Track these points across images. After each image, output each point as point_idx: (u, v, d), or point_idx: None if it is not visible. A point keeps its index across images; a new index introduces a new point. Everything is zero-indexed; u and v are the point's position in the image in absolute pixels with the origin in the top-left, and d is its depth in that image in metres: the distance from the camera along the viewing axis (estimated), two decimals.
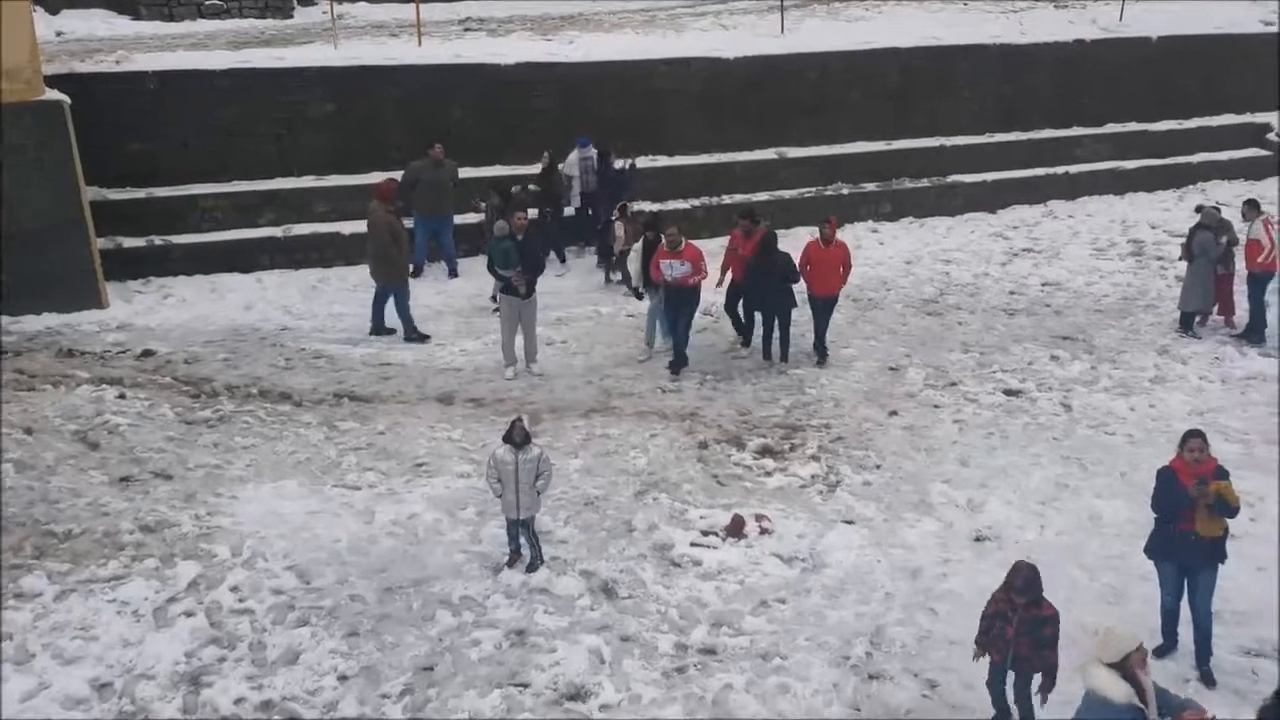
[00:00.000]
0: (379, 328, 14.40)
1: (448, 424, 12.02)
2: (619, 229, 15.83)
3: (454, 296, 15.78)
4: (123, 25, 20.36)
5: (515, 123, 17.67)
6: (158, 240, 15.94)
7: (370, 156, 16.76)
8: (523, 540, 9.49)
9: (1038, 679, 7.37)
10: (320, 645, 8.49)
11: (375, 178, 16.62)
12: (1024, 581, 7.28)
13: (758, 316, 14.08)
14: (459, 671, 8.27)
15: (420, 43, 18.79)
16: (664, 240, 13.32)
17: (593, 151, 16.75)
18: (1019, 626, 7.30)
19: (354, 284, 15.93)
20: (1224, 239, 14.53)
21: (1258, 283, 14.40)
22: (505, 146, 17.47)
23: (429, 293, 15.80)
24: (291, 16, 21.89)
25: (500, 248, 13.09)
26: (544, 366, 13.47)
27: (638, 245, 14.35)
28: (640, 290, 14.76)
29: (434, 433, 11.82)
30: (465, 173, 16.70)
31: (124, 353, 13.52)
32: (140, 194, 15.98)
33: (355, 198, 16.57)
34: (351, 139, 16.96)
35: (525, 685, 8.13)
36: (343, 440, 11.64)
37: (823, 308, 13.82)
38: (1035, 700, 7.43)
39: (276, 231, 16.47)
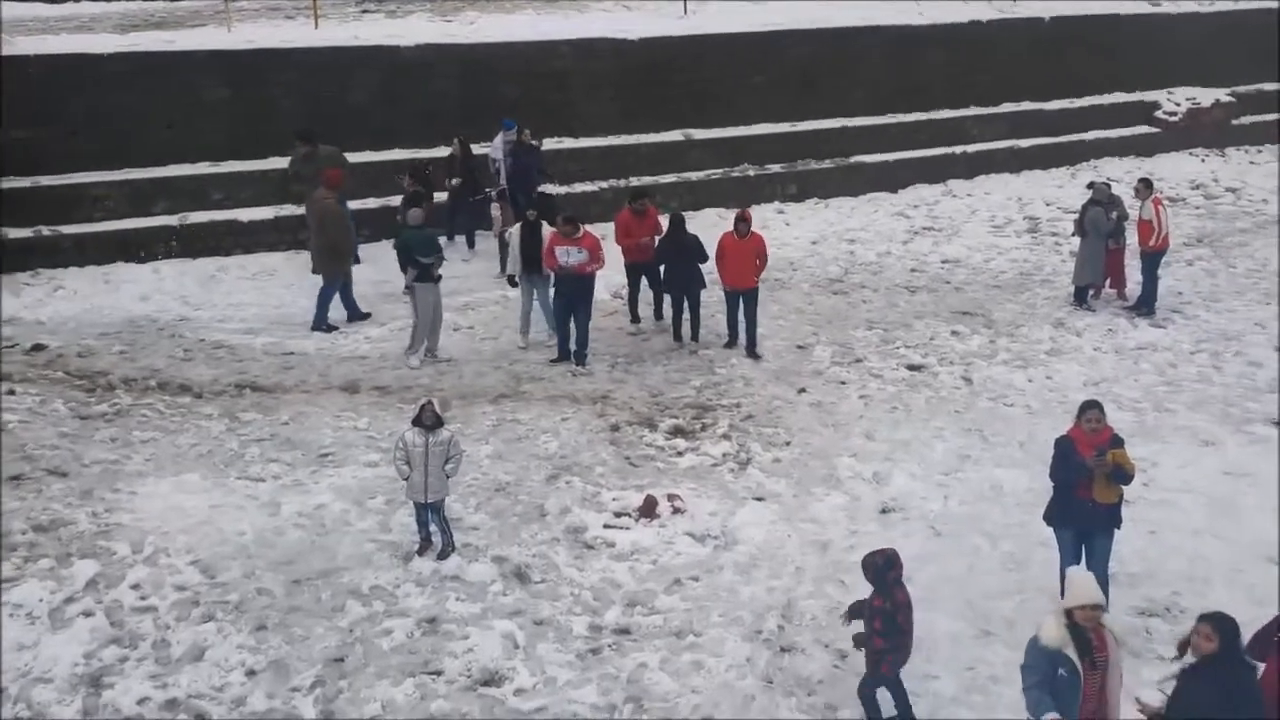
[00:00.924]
0: (323, 324, 14.06)
1: (353, 413, 11.85)
2: (495, 210, 15.68)
3: (359, 284, 15.46)
4: (4, 8, 19.54)
5: (416, 106, 17.41)
6: (46, 231, 15.36)
7: (267, 142, 16.37)
8: (433, 527, 9.40)
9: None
10: (227, 640, 8.31)
11: (274, 164, 16.38)
12: (870, 574, 7.31)
13: (664, 297, 14.12)
14: (370, 662, 8.17)
15: (317, 25, 18.42)
16: (560, 225, 13.13)
17: (520, 132, 16.55)
18: (868, 618, 7.34)
19: (253, 273, 15.60)
20: (1114, 214, 14.97)
21: (1150, 261, 14.88)
22: (406, 130, 17.22)
23: None
24: None
25: (422, 235, 12.93)
26: (452, 352, 13.33)
27: (516, 229, 13.84)
28: (515, 277, 14.00)
29: (339, 422, 11.64)
30: (366, 157, 16.43)
31: (12, 347, 13.05)
32: (25, 183, 15.38)
33: (252, 184, 16.26)
34: (247, 124, 16.53)
35: (438, 673, 8.07)
36: (245, 432, 11.40)
37: (738, 301, 13.50)
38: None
39: (172, 220, 15.99)
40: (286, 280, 15.57)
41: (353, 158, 16.07)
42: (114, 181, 15.86)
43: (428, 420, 9.11)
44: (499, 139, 16.56)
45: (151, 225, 15.87)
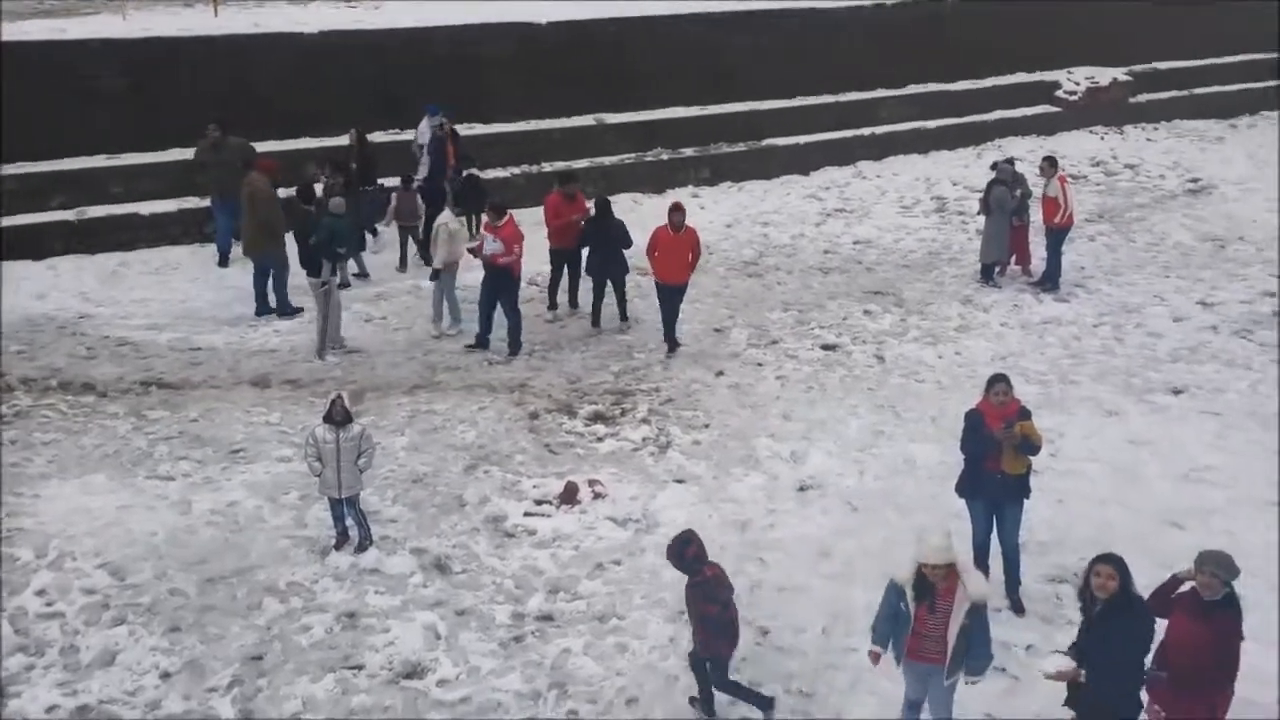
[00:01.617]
0: (265, 308, 13.85)
1: (264, 407, 11.63)
2: (393, 199, 15.50)
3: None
4: None
5: (323, 94, 17.10)
6: None
7: (169, 133, 15.94)
8: (350, 521, 9.27)
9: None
10: (139, 643, 8.13)
11: (175, 155, 15.98)
12: (673, 560, 7.43)
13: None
14: (289, 659, 8.04)
15: (216, 13, 17.97)
16: (487, 213, 13.12)
17: (443, 119, 16.30)
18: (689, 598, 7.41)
19: (157, 268, 15.21)
20: (1019, 192, 15.29)
21: (1055, 238, 15.23)
22: (314, 118, 16.90)
23: (239, 274, 15.17)
24: None
25: (346, 224, 12.73)
26: (364, 344, 13.13)
27: (446, 221, 13.61)
28: (439, 270, 13.59)
29: (250, 417, 11.41)
30: (273, 146, 16.08)
31: None
32: None
33: (153, 176, 15.83)
34: (147, 115, 16.07)
35: (359, 667, 7.98)
36: (153, 430, 11.12)
37: (670, 295, 13.14)
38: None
39: (69, 215, 15.50)
40: (191, 274, 15.20)
41: (260, 148, 15.71)
42: (6, 175, 15.29)
43: (338, 416, 8.98)
44: (424, 124, 16.28)
45: (47, 220, 15.34)
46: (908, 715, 7.29)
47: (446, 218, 13.62)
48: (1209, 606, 6.42)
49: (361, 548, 9.21)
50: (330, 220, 12.93)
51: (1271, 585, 8.52)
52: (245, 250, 14.15)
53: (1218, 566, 6.40)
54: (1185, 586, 6.58)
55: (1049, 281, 15.29)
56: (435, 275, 13.47)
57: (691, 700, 7.69)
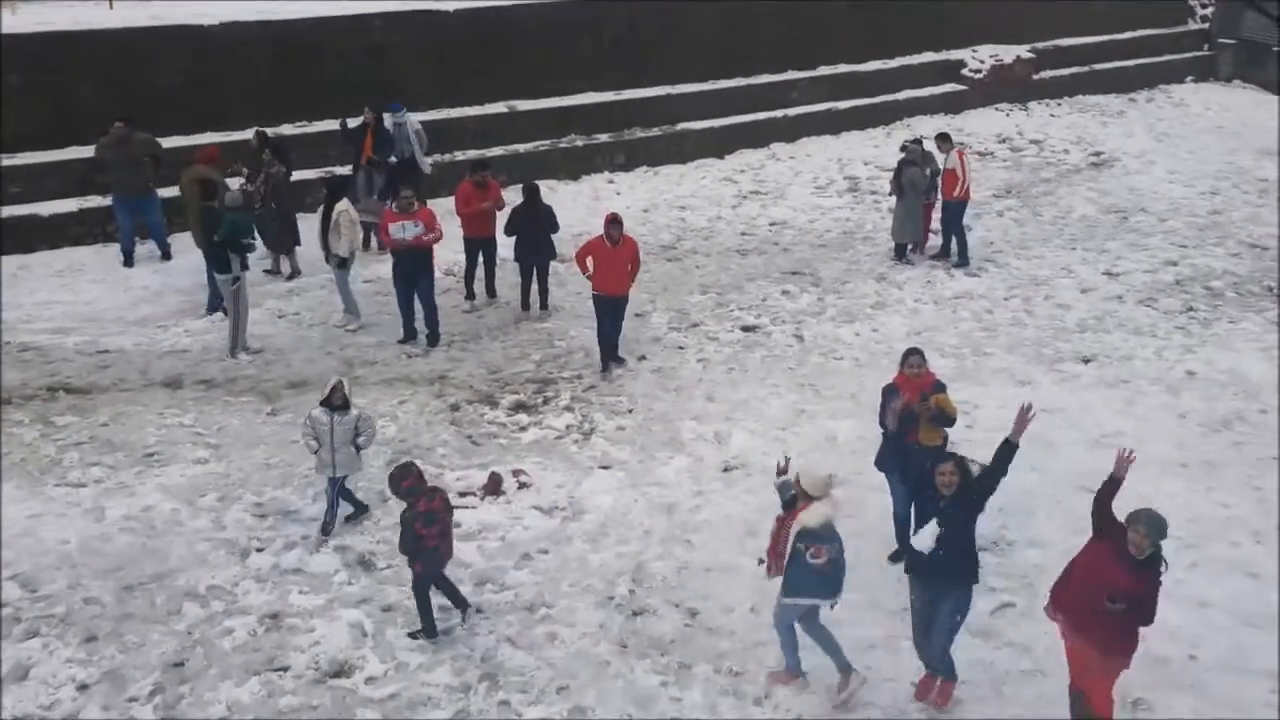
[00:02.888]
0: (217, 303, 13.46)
1: (178, 409, 11.36)
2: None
3: (174, 274, 14.80)
4: None
5: (229, 87, 16.68)
6: None
7: (67, 131, 15.44)
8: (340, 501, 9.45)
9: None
10: (54, 656, 7.90)
11: (76, 153, 15.52)
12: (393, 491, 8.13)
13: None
14: (212, 663, 7.89)
15: (112, 5, 17.43)
16: (394, 203, 12.96)
17: (406, 115, 16.04)
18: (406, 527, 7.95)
19: (59, 269, 14.73)
20: (929, 170, 15.54)
21: (955, 211, 15.49)
22: (220, 112, 16.47)
23: (145, 273, 14.81)
24: None
25: (247, 218, 12.47)
26: (279, 340, 12.87)
27: (346, 208, 13.29)
28: (347, 260, 13.35)
29: (164, 420, 11.13)
30: (178, 142, 15.69)
31: None
32: None
33: (53, 175, 15.31)
34: (43, 113, 15.52)
35: (285, 668, 7.86)
36: (61, 436, 10.79)
37: (611, 308, 12.35)
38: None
39: None
40: (96, 275, 14.74)
41: (165, 143, 15.31)
42: None
43: (336, 401, 9.19)
44: (387, 119, 15.99)
45: None
46: (785, 636, 7.73)
47: (345, 206, 13.24)
48: (1136, 563, 6.65)
49: (325, 529, 9.33)
50: (230, 215, 12.64)
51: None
52: (197, 243, 13.79)
53: (1149, 527, 6.65)
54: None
55: (959, 257, 15.55)
56: (343, 264, 13.25)
57: (414, 634, 8.15)
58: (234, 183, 14.60)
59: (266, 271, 14.79)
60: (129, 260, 15.04)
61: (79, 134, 15.32)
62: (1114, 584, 6.64)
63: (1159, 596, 6.75)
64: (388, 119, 15.99)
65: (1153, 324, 13.79)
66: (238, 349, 12.54)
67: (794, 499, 7.46)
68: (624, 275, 12.28)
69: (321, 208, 13.41)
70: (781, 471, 7.80)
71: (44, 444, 10.65)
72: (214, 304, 13.44)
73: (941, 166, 15.43)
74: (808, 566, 7.30)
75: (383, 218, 13.14)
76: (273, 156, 14.64)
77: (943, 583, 7.42)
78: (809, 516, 7.28)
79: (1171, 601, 7.52)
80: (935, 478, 7.29)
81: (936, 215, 15.91)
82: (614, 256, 12.15)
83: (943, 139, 15.61)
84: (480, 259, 14.08)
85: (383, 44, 18.05)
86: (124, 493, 9.86)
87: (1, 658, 7.83)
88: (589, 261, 12.24)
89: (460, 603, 8.32)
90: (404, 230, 12.62)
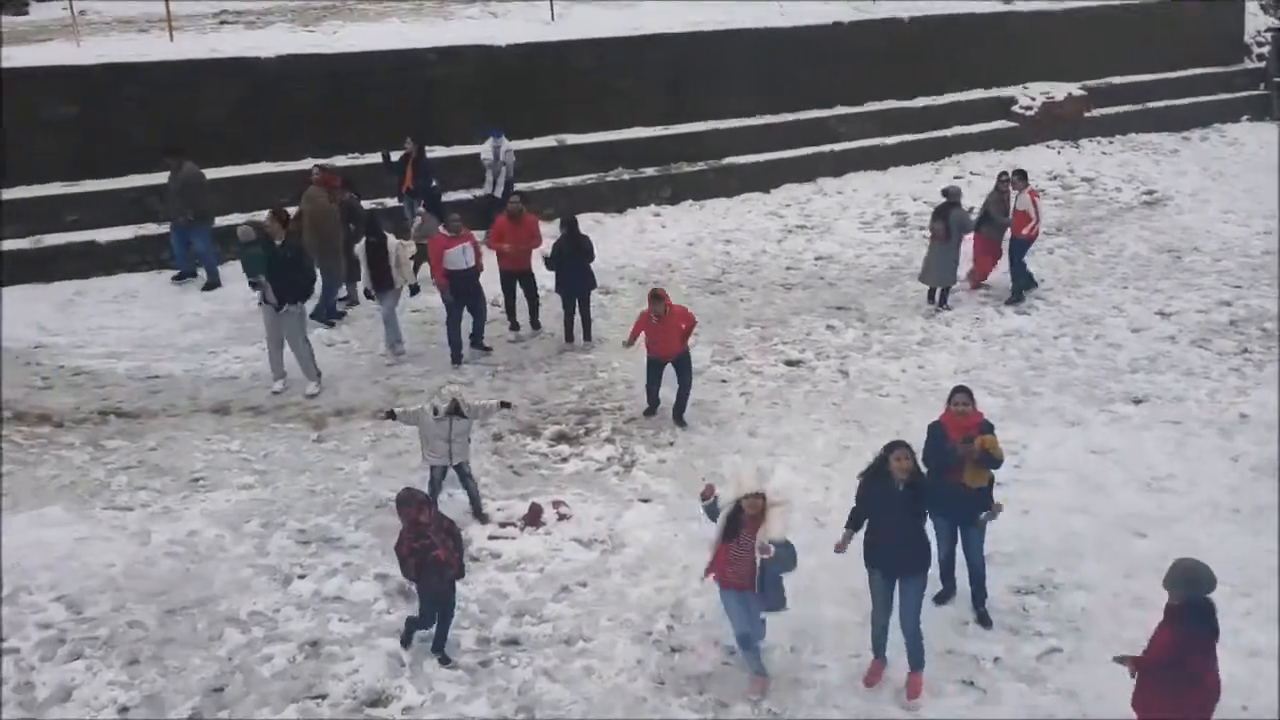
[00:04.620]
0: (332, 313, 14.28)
1: (225, 435, 11.48)
2: (419, 220, 15.46)
3: (226, 301, 15.03)
4: None
5: (280, 119, 16.99)
6: None
7: (122, 160, 15.78)
8: (450, 491, 10.12)
9: None
10: (97, 678, 7.97)
11: (131, 182, 15.84)
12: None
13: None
14: (251, 690, 7.91)
15: (172, 37, 17.83)
16: (444, 228, 13.12)
17: (505, 142, 16.70)
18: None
19: (114, 295, 15.02)
20: (970, 209, 15.45)
21: (1020, 248, 15.36)
22: (270, 144, 16.78)
23: (197, 300, 15.04)
24: (26, 13, 20.41)
25: (246, 254, 12.51)
26: (326, 368, 12.94)
27: (400, 242, 13.57)
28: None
29: (210, 445, 11.26)
30: (228, 173, 15.98)
31: None
32: None
33: (109, 203, 15.63)
34: (98, 142, 15.89)
35: (323, 696, 7.87)
36: (111, 460, 10.95)
37: (661, 370, 11.94)
38: None
39: (24, 243, 15.28)
40: (149, 302, 15.01)
41: (215, 173, 15.62)
42: None
43: (452, 410, 9.81)
44: (487, 145, 16.72)
45: (1, 250, 15.11)
46: (741, 648, 8.01)
47: (397, 241, 13.40)
48: (1173, 613, 6.49)
49: (477, 511, 10.04)
50: (240, 249, 12.74)
51: (1234, 591, 8.57)
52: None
53: (1169, 575, 6.60)
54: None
55: (1012, 294, 15.37)
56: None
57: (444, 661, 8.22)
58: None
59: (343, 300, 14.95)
60: (178, 278, 15.38)
61: (136, 163, 15.63)
62: (1155, 641, 6.48)
63: (1201, 653, 6.53)
64: (488, 146, 16.50)
65: (1206, 365, 13.53)
66: (274, 376, 12.60)
67: (737, 517, 7.69)
68: (676, 338, 11.79)
69: (362, 243, 13.42)
70: (706, 495, 8.02)
71: (94, 467, 10.81)
72: (322, 314, 14.04)
73: (1013, 205, 15.33)
74: (776, 579, 7.73)
75: (432, 244, 13.29)
76: (343, 186, 14.87)
77: (904, 569, 7.80)
78: (774, 530, 7.58)
79: (1222, 650, 7.31)
80: (891, 463, 7.68)
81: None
82: (663, 327, 11.71)
83: (1019, 176, 15.53)
84: (519, 291, 14.11)
85: (434, 77, 18.30)
86: (170, 517, 9.96)
87: (42, 680, 7.91)
88: (641, 336, 11.90)
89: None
90: (464, 255, 12.90)
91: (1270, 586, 9.12)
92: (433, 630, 8.27)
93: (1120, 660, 6.82)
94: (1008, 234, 15.54)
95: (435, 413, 9.82)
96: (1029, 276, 15.59)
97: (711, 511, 7.95)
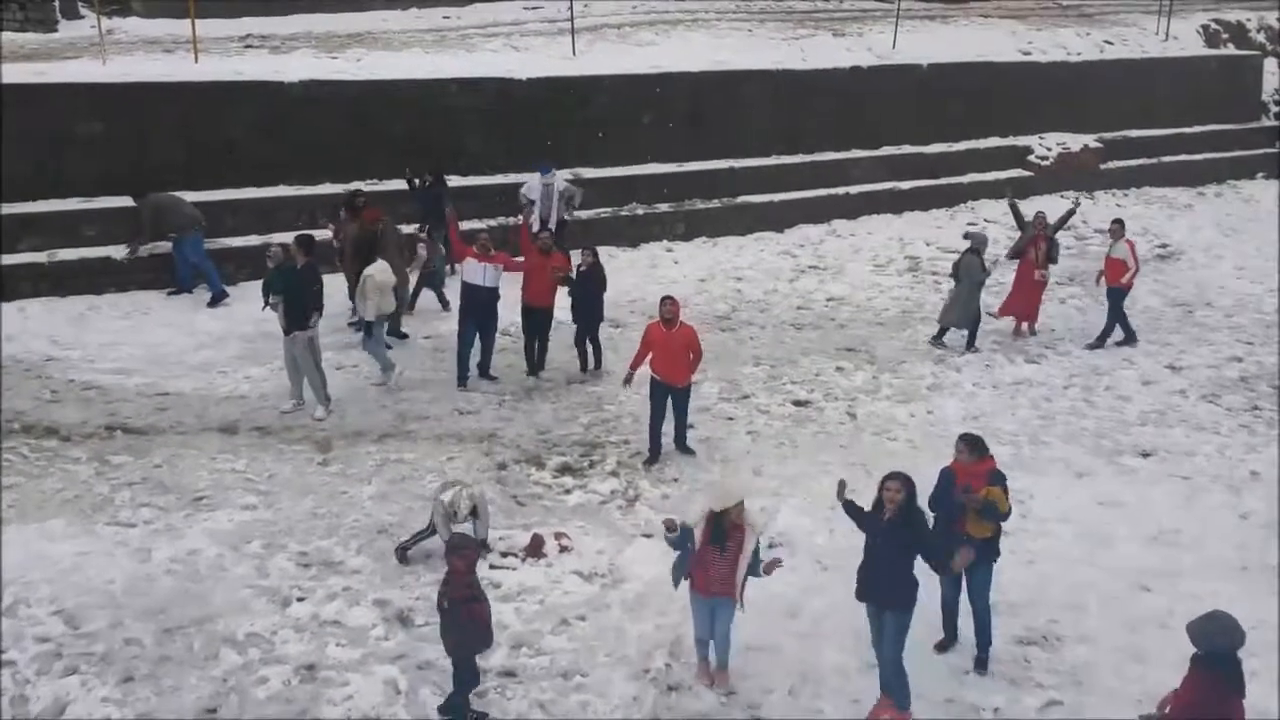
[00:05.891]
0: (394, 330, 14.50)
1: (231, 454, 11.49)
2: (422, 250, 15.54)
3: (238, 321, 15.08)
4: None
5: (301, 142, 17.12)
6: None
7: (144, 177, 15.88)
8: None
9: None
10: (91, 694, 7.94)
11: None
12: None
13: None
14: (245, 711, 7.88)
15: (197, 59, 18.01)
16: (476, 248, 13.11)
17: (555, 176, 16.67)
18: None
19: (127, 312, 15.08)
20: (989, 261, 15.51)
21: (1117, 296, 15.58)
22: (290, 167, 16.91)
23: (208, 318, 15.10)
24: (55, 30, 20.58)
25: (269, 277, 12.56)
26: (335, 392, 12.93)
27: (373, 273, 13.09)
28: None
29: (215, 464, 11.27)
30: (248, 194, 16.10)
31: None
32: None
33: (127, 220, 15.72)
34: (122, 160, 16.02)
35: None
36: (115, 475, 10.96)
37: (668, 397, 11.75)
38: None
39: (40, 257, 15.38)
40: (162, 319, 15.08)
41: (234, 194, 15.75)
42: None
43: (470, 513, 9.72)
44: (535, 179, 16.70)
45: (17, 262, 15.19)
46: (700, 652, 8.33)
47: (373, 269, 13.05)
48: (1195, 668, 6.54)
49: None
50: (271, 273, 12.73)
51: (1242, 654, 8.46)
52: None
53: (1203, 634, 6.60)
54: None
55: (1128, 339, 15.72)
56: (369, 330, 13.07)
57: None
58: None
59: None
60: (174, 293, 15.65)
61: (157, 182, 15.74)
62: (1182, 695, 6.47)
63: (1219, 707, 6.46)
64: (535, 180, 16.49)
65: (1216, 420, 13.47)
66: (291, 395, 12.63)
67: (721, 525, 7.88)
68: (683, 363, 11.66)
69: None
70: (671, 528, 8.02)
71: (98, 482, 10.82)
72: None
73: (1108, 253, 15.60)
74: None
75: (459, 250, 13.52)
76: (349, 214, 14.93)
77: (885, 602, 7.88)
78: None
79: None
80: (882, 492, 7.77)
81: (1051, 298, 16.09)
82: (670, 341, 11.60)
83: (1117, 224, 15.77)
84: (535, 329, 13.79)
85: (454, 107, 18.44)
86: (171, 535, 9.95)
87: (36, 693, 7.88)
88: (649, 355, 11.76)
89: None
90: (483, 271, 12.96)
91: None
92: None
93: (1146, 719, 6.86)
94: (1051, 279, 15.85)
95: (454, 516, 9.49)
96: (1130, 331, 15.81)
97: (678, 544, 8.00)
